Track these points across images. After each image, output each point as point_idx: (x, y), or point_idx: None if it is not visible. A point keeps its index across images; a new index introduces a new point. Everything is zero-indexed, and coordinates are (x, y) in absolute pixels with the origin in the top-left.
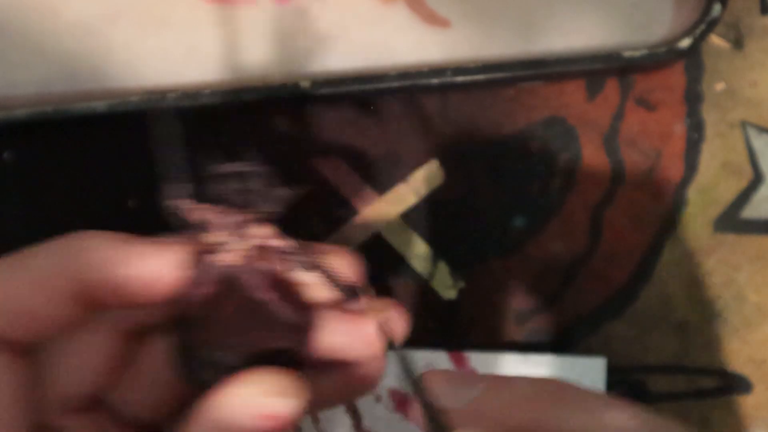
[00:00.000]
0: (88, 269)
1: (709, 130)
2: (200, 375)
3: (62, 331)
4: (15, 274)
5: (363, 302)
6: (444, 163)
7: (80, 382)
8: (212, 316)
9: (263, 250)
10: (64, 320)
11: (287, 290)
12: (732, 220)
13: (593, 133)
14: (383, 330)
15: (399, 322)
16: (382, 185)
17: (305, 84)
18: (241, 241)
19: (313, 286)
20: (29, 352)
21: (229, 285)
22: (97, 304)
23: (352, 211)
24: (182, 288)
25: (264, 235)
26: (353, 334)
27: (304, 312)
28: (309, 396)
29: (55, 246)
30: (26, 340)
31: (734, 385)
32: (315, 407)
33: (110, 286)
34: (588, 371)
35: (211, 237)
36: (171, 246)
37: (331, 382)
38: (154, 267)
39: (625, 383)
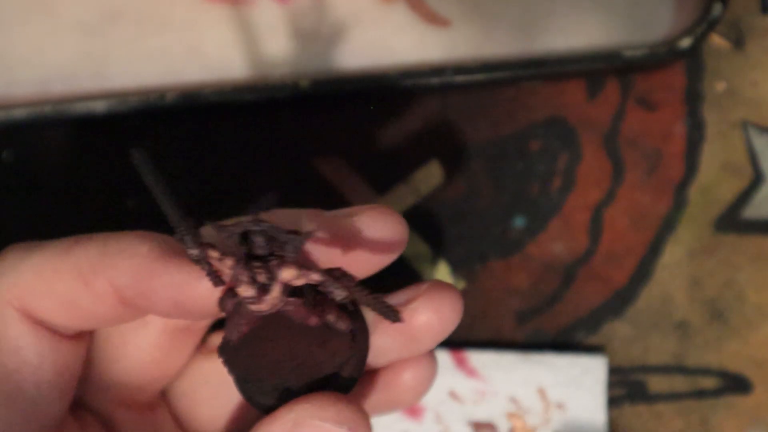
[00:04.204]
0: (120, 274)
1: (710, 130)
2: (259, 399)
3: (109, 324)
4: (60, 262)
5: (408, 292)
6: (444, 163)
7: (129, 371)
8: (260, 343)
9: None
10: (108, 315)
11: (330, 309)
12: (733, 220)
13: (593, 133)
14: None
15: (451, 306)
16: (382, 185)
17: (305, 84)
18: (268, 290)
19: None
20: (80, 335)
21: (269, 317)
22: (136, 307)
23: None
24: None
25: (290, 277)
26: (399, 331)
27: (352, 324)
28: (368, 425)
29: (99, 241)
30: (72, 326)
31: (734, 385)
32: None
33: (139, 295)
34: (589, 370)
35: (238, 287)
36: (203, 276)
37: (379, 393)
38: (185, 290)
39: (625, 383)
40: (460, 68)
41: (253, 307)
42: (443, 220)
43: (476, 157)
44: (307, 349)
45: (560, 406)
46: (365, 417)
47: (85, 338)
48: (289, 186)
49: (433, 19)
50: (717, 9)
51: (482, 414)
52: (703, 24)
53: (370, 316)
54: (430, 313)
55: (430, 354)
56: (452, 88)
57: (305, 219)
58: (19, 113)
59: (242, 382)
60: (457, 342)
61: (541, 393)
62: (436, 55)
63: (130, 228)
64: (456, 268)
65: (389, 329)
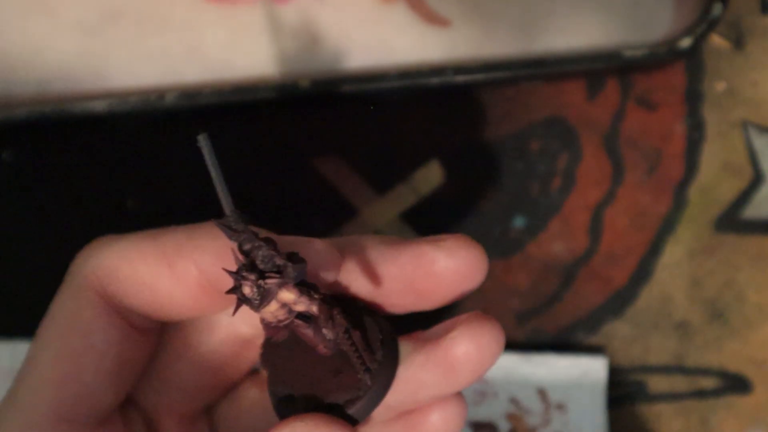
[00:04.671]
0: (205, 254)
1: (710, 130)
2: (275, 402)
3: (182, 314)
4: (146, 246)
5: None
6: (444, 163)
7: (188, 374)
8: (290, 351)
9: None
10: (184, 302)
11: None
12: (733, 220)
13: (593, 133)
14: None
15: (491, 336)
16: (382, 185)
17: (305, 84)
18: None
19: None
20: (150, 332)
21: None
22: (213, 293)
23: (352, 211)
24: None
25: (289, 300)
26: (437, 362)
27: (376, 367)
28: None
29: (185, 228)
30: (148, 313)
31: (734, 385)
32: None
33: (221, 276)
34: (589, 371)
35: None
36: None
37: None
38: None
39: (625, 383)
40: (460, 68)
41: (258, 315)
42: (443, 220)
43: (476, 157)
44: (321, 372)
45: (560, 406)
46: None
47: (153, 337)
48: (289, 186)
49: (433, 19)
50: (717, 9)
51: (482, 414)
52: (703, 24)
53: (407, 348)
54: (468, 342)
55: (460, 395)
56: (452, 88)
57: (382, 246)
58: (19, 113)
59: (270, 381)
60: None
61: (542, 394)
62: (436, 55)
63: (129, 228)
64: None
65: (427, 360)
